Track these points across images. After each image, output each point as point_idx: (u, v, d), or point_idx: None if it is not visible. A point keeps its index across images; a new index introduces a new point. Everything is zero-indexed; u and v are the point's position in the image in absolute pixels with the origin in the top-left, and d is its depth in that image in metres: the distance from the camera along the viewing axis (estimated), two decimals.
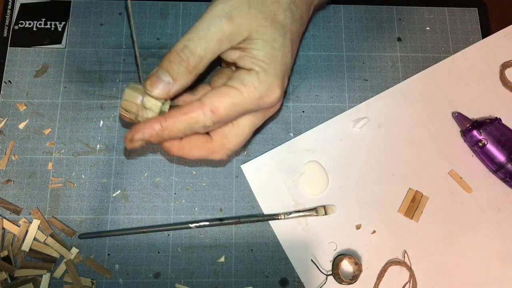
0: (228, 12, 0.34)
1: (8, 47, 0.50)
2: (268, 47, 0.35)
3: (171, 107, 0.37)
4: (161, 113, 0.37)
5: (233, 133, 0.38)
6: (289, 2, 0.36)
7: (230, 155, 0.39)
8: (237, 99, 0.34)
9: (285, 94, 0.38)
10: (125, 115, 0.37)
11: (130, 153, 0.47)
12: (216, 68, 0.46)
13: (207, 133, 0.39)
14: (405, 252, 0.45)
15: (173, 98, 0.38)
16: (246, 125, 0.38)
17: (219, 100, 0.34)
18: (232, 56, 0.36)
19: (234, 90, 0.34)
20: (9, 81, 0.49)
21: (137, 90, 0.36)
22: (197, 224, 0.44)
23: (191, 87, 0.38)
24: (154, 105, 0.36)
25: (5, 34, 0.50)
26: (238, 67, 0.36)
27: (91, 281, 0.44)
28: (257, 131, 0.41)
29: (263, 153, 0.47)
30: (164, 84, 0.35)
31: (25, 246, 0.44)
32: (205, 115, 0.34)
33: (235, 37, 0.34)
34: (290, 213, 0.45)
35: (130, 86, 0.36)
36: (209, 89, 0.40)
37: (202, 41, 0.34)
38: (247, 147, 0.47)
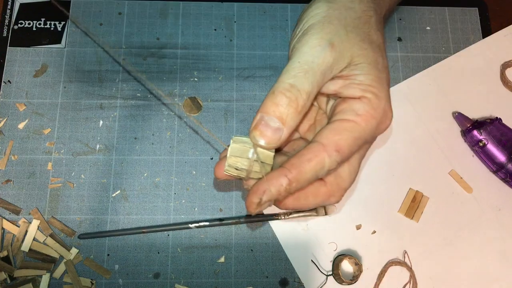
0: (329, 40, 0.31)
1: (8, 47, 0.50)
2: (374, 69, 0.32)
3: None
4: (274, 166, 0.32)
5: (347, 171, 0.34)
6: (376, 21, 0.34)
7: (344, 195, 0.35)
8: (357, 133, 0.31)
9: None
10: (233, 173, 0.32)
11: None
12: None
13: None
14: (406, 252, 0.45)
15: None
16: (357, 159, 0.34)
17: (340, 137, 0.30)
18: (333, 87, 0.32)
19: (351, 123, 0.31)
20: (9, 81, 0.49)
21: (244, 143, 0.31)
22: (197, 224, 0.44)
23: None
24: (267, 157, 0.31)
25: (4, 34, 0.50)
26: (342, 98, 0.33)
27: (91, 282, 0.43)
28: None
29: None
30: (274, 131, 0.30)
31: (25, 246, 0.44)
32: (331, 157, 0.30)
33: (337, 65, 0.31)
34: (290, 213, 0.45)
35: (234, 140, 0.32)
36: (295, 131, 0.36)
37: (308, 76, 0.30)
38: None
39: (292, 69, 0.31)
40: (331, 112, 0.34)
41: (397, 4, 0.49)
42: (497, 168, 0.46)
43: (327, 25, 0.31)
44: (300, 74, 0.30)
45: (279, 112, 0.30)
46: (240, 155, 0.31)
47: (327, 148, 0.30)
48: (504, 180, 0.47)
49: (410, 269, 0.45)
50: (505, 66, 0.51)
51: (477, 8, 0.53)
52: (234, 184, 0.47)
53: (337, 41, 0.31)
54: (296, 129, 0.33)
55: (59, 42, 0.50)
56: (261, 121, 0.30)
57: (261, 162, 0.31)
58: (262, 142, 0.30)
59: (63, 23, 0.51)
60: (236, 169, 0.32)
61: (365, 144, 0.33)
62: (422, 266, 0.45)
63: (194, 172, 0.47)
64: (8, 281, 0.43)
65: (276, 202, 0.33)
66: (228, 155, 0.32)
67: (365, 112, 0.31)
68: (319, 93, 0.33)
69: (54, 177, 0.46)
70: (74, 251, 0.44)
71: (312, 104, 0.36)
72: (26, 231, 0.44)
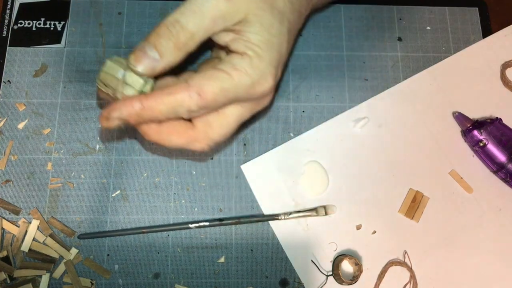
0: None
1: (8, 47, 0.50)
2: (264, 31, 0.33)
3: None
4: (142, 93, 0.34)
5: (219, 122, 0.35)
6: None
7: (212, 147, 0.37)
8: (227, 84, 0.32)
9: (276, 89, 0.36)
10: (102, 89, 0.35)
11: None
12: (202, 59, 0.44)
13: (189, 120, 0.36)
14: (406, 252, 0.45)
15: (156, 79, 0.36)
16: (233, 115, 0.35)
17: (207, 83, 0.32)
18: (224, 38, 0.34)
19: (224, 74, 0.32)
20: (8, 81, 0.49)
21: (120, 64, 0.34)
22: (196, 225, 0.44)
23: (176, 73, 0.36)
24: (135, 82, 0.33)
25: (4, 34, 0.50)
26: (230, 51, 0.34)
27: (91, 282, 0.43)
28: (245, 127, 0.37)
29: (263, 153, 0.47)
30: (149, 60, 0.32)
31: (24, 247, 0.44)
32: (191, 98, 0.32)
33: (231, 17, 0.32)
34: (290, 213, 0.45)
35: (112, 59, 0.34)
36: None
37: (196, 16, 0.32)
38: (246, 148, 0.47)
39: (182, 6, 0.32)
40: None
41: None
42: (498, 168, 0.46)
43: None
44: (188, 13, 0.32)
45: (159, 43, 0.32)
46: (112, 73, 0.33)
47: (190, 89, 0.32)
48: (504, 180, 0.47)
49: (410, 269, 0.45)
50: (505, 66, 0.50)
51: (477, 8, 0.53)
52: (234, 184, 0.47)
53: None
54: (178, 65, 0.35)
55: (58, 42, 0.50)
56: (142, 48, 0.32)
57: (127, 84, 0.33)
58: (137, 68, 0.32)
59: (62, 23, 0.51)
60: (106, 85, 0.34)
61: (237, 100, 0.34)
62: (422, 266, 0.45)
63: (194, 172, 0.47)
64: (8, 281, 0.43)
65: (138, 127, 0.35)
66: (101, 70, 0.34)
67: (241, 68, 0.32)
68: (216, 45, 0.35)
69: (54, 177, 0.46)
70: (74, 251, 0.44)
71: (216, 57, 0.39)
72: (26, 231, 0.44)
